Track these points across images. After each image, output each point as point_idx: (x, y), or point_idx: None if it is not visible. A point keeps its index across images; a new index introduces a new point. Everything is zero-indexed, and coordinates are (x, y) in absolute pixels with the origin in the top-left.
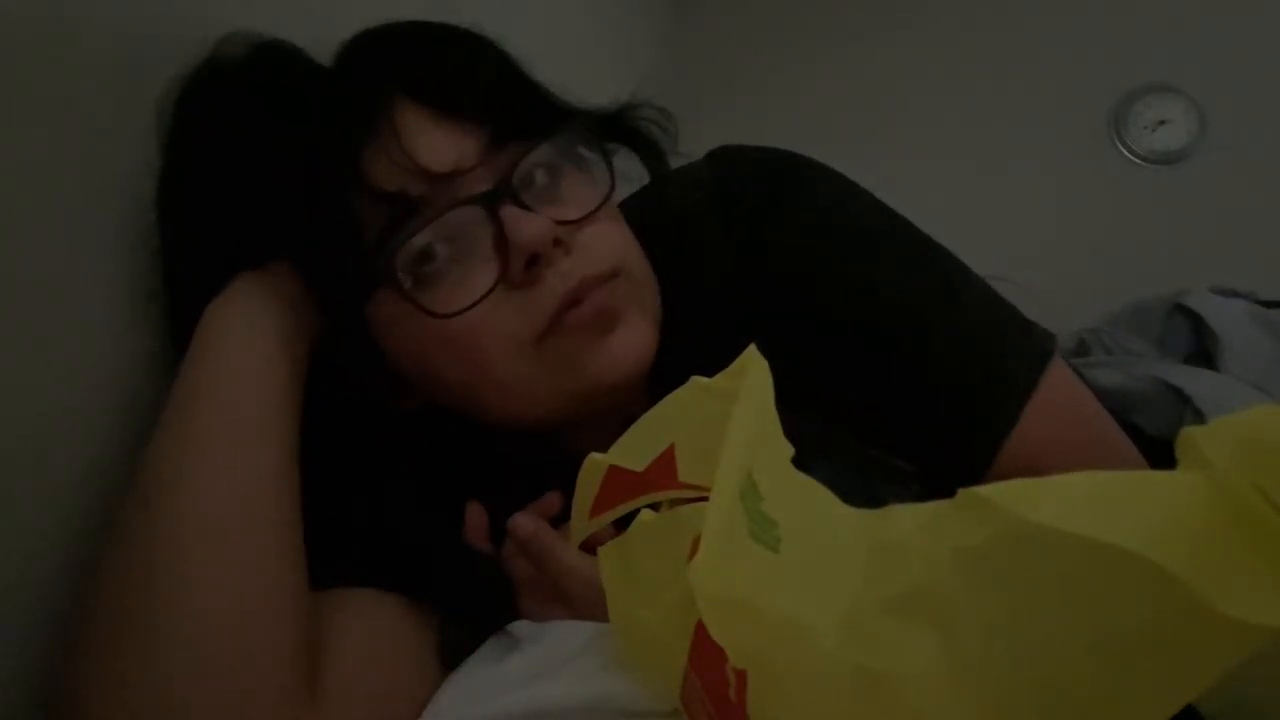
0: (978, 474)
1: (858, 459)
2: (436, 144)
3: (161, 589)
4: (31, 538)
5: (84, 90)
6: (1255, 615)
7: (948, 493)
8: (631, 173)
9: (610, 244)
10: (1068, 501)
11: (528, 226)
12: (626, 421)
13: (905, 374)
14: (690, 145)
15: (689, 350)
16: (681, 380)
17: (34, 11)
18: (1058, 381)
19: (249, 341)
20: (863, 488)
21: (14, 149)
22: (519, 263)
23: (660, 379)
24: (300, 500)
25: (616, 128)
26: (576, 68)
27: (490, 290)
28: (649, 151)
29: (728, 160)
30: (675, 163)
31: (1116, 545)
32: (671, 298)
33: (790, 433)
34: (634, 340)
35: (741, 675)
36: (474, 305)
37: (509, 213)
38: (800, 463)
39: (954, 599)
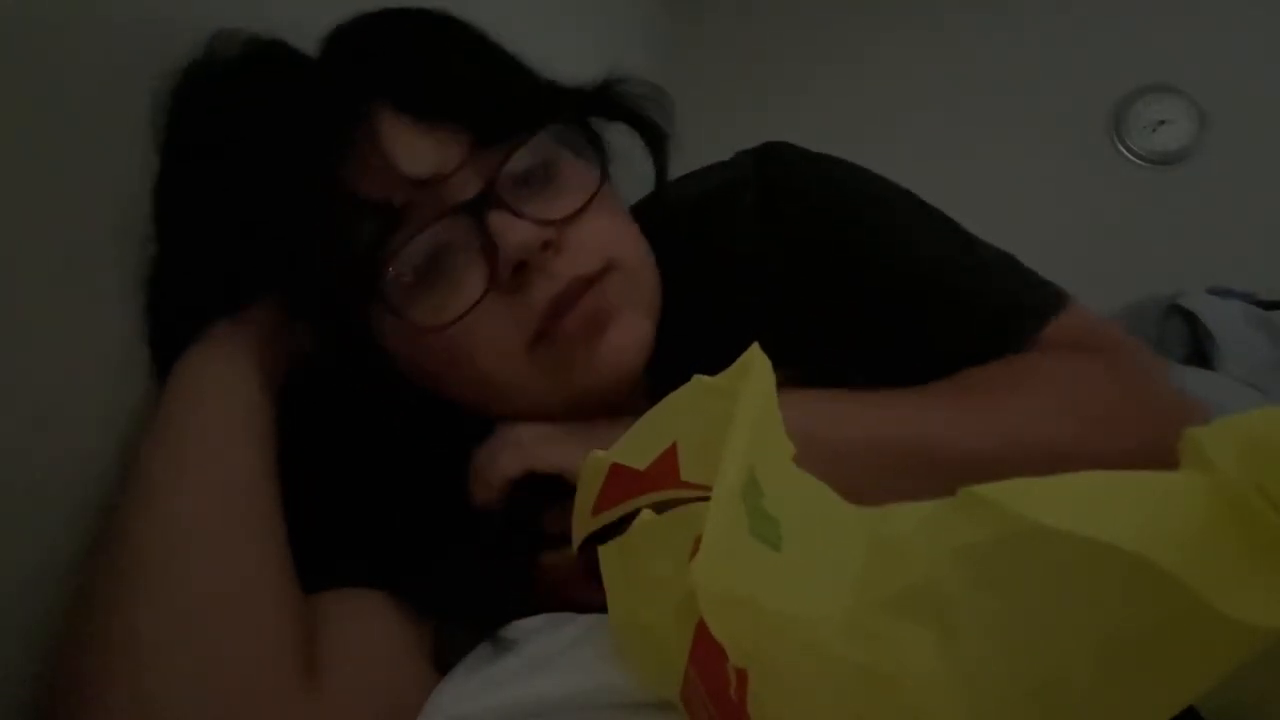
0: None
1: None
2: (418, 150)
3: (151, 588)
4: (29, 538)
5: (85, 89)
6: (1256, 616)
7: None
8: (628, 145)
9: (602, 237)
10: (1069, 501)
11: (514, 235)
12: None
13: (942, 314)
14: (684, 145)
15: (713, 334)
16: (704, 362)
17: (36, 11)
18: (1078, 311)
19: (220, 377)
20: None
21: (17, 151)
22: (506, 270)
23: (683, 364)
24: (282, 504)
25: (609, 106)
26: (570, 63)
27: (480, 299)
28: (645, 127)
29: (768, 150)
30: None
31: (1118, 546)
32: (697, 277)
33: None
34: (626, 340)
35: (742, 674)
36: (463, 316)
37: (496, 219)
38: None
39: (954, 598)
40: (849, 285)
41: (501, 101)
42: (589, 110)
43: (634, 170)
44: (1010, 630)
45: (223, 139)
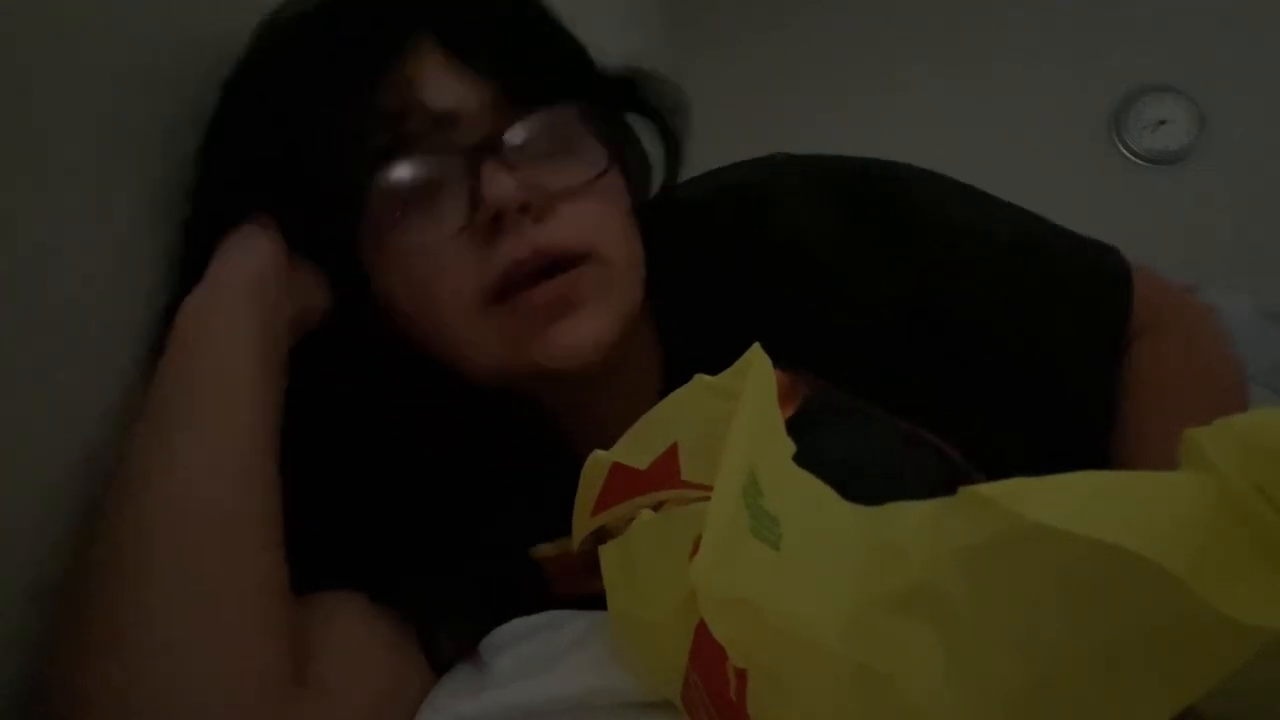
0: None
1: (878, 424)
2: (443, 85)
3: (139, 589)
4: (29, 531)
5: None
6: (1256, 617)
7: (974, 458)
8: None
9: (587, 224)
10: (1070, 501)
11: (496, 186)
12: (630, 415)
13: (1038, 287)
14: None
15: (746, 319)
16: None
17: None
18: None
19: (226, 335)
20: (880, 453)
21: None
22: (483, 218)
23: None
24: (282, 494)
25: (638, 100)
26: None
27: (450, 235)
28: (667, 127)
29: (784, 155)
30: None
31: (1119, 546)
32: (737, 263)
33: (815, 399)
34: (583, 333)
35: (742, 675)
36: (434, 244)
37: (488, 169)
38: (817, 425)
39: (955, 599)
40: (930, 264)
41: (536, 62)
42: (618, 97)
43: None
44: (1009, 630)
45: (271, 56)
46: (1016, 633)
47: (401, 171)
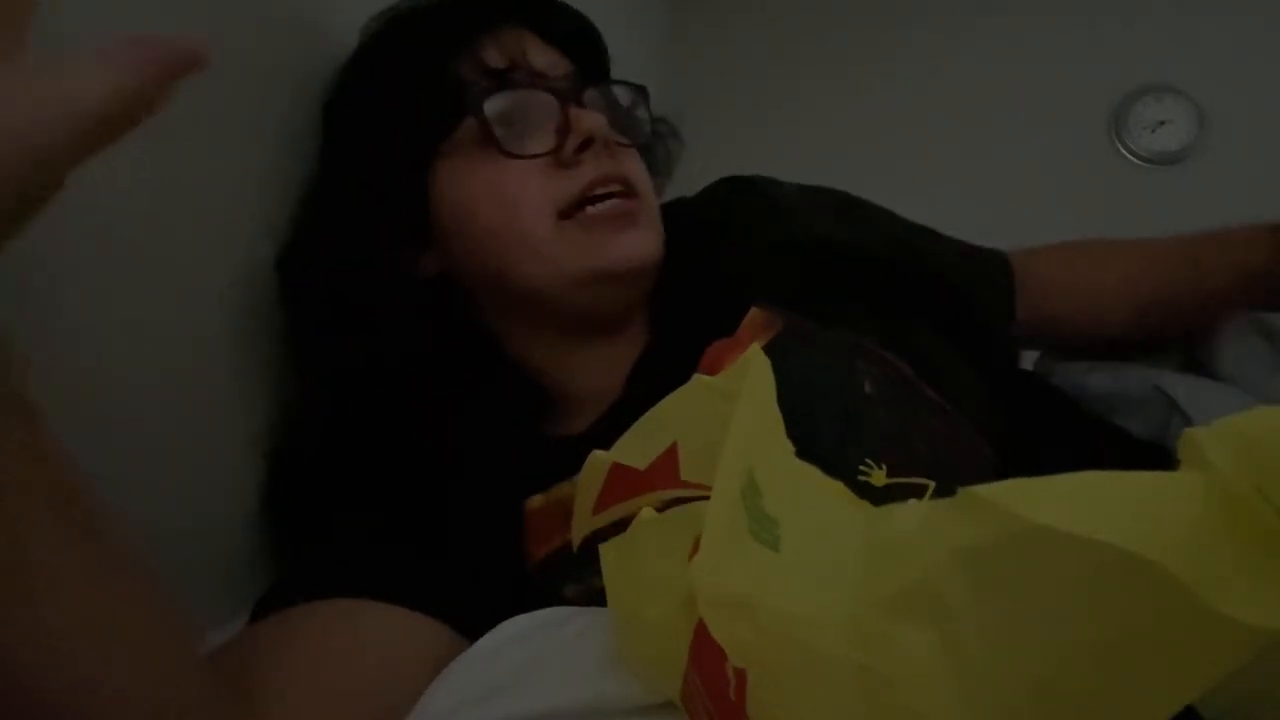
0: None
1: (837, 343)
2: (538, 51)
3: None
4: None
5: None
6: (1256, 617)
7: (931, 375)
8: None
9: (639, 173)
10: (1068, 502)
11: (591, 117)
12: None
13: (943, 243)
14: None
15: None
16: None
17: None
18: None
19: None
20: (841, 372)
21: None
22: (574, 143)
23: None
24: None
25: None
26: None
27: (544, 154)
28: (657, 159)
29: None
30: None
31: (1117, 546)
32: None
33: (788, 329)
34: (640, 244)
35: (741, 674)
36: (529, 157)
37: (574, 108)
38: (787, 350)
39: (954, 599)
40: (866, 220)
41: (601, 50)
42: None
43: None
44: (1009, 630)
45: (387, 30)
46: (1017, 633)
47: (504, 100)
